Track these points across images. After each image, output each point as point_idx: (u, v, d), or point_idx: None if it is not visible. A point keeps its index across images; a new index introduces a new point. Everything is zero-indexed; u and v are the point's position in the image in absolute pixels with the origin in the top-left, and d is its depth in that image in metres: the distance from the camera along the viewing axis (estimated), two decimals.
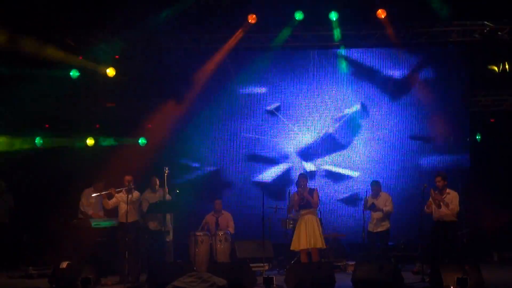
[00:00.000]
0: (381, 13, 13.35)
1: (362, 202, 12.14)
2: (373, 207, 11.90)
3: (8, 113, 13.40)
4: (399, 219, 13.09)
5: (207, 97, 14.44)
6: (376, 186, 12.14)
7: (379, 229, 11.93)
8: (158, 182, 12.41)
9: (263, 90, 14.46)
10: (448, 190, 10.92)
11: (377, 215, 11.94)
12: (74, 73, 14.03)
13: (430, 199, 10.93)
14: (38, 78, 13.09)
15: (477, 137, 14.31)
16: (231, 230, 12.50)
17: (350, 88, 14.30)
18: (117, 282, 10.94)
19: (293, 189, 12.15)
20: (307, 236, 11.10)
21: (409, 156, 14.15)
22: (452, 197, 10.83)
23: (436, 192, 10.88)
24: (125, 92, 14.40)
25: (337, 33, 13.80)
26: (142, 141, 14.40)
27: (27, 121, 13.72)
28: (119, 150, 14.05)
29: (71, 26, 13.74)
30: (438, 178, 10.91)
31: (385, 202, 11.98)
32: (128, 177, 11.44)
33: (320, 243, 11.19)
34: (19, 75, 13.19)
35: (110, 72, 13.96)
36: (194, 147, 14.48)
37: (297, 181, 11.75)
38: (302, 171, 13.27)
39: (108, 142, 14.28)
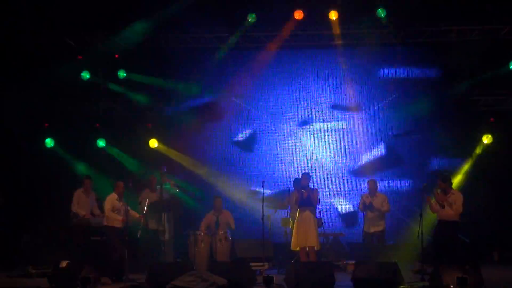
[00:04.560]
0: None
1: (359, 202, 12.16)
2: (371, 207, 11.89)
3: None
4: (399, 218, 13.10)
5: (207, 96, 14.49)
6: (372, 184, 12.13)
7: (376, 229, 11.93)
8: (156, 181, 12.45)
9: (261, 90, 14.52)
10: (452, 191, 10.90)
11: (373, 215, 11.93)
12: (85, 75, 14.09)
13: (433, 199, 10.91)
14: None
15: None
16: (232, 226, 12.48)
17: (349, 88, 14.30)
18: (115, 281, 10.90)
19: (292, 188, 12.19)
20: (302, 234, 11.11)
21: (410, 154, 14.14)
22: (456, 197, 10.79)
23: (440, 192, 10.86)
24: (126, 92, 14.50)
25: (335, 30, 13.78)
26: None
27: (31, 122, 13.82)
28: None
29: (71, 26, 13.79)
30: (439, 181, 10.91)
31: (382, 202, 11.97)
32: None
33: (314, 242, 11.17)
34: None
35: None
36: (193, 147, 14.51)
37: (296, 180, 11.77)
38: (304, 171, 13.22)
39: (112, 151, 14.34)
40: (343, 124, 14.36)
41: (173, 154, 14.25)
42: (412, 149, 14.18)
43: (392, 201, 12.42)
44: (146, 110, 14.63)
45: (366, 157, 14.22)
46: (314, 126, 14.41)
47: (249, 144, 14.54)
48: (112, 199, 11.36)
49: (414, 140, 14.16)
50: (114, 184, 11.58)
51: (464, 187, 12.88)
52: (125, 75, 14.33)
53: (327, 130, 14.37)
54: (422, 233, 10.54)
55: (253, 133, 14.54)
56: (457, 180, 13.46)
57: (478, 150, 13.81)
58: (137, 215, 11.63)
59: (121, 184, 11.48)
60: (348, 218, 13.97)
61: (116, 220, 11.22)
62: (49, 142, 14.05)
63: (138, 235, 11.39)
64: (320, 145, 14.36)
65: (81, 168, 13.93)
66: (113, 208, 11.28)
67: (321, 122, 14.39)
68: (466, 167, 13.77)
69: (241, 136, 14.57)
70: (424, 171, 13.88)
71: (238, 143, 14.56)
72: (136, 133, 14.33)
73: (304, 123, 14.42)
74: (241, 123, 14.59)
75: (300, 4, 13.46)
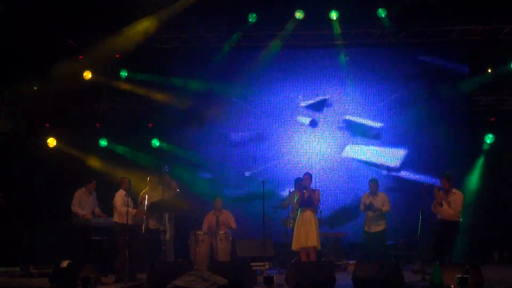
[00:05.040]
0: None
1: (360, 202, 12.17)
2: (372, 207, 11.89)
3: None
4: (400, 218, 13.11)
5: (208, 96, 14.49)
6: (374, 184, 12.14)
7: (376, 229, 11.93)
8: (156, 181, 12.44)
9: (262, 89, 14.54)
10: (454, 190, 10.87)
11: (374, 214, 11.93)
12: (86, 75, 14.12)
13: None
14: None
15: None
16: (233, 225, 12.48)
17: (350, 87, 14.31)
18: (114, 282, 10.90)
19: (292, 188, 12.19)
20: (303, 234, 11.12)
21: (412, 154, 14.14)
22: (456, 197, 10.77)
23: (441, 191, 10.84)
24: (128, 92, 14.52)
25: (336, 29, 13.82)
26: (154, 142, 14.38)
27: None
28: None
29: (72, 26, 13.80)
30: (443, 180, 10.90)
31: (383, 202, 11.99)
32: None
33: (314, 242, 11.13)
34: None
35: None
36: (194, 148, 14.53)
37: (297, 180, 11.77)
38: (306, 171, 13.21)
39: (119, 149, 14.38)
40: (344, 124, 14.35)
41: (173, 153, 14.27)
42: (413, 149, 14.17)
43: (393, 200, 12.43)
44: (147, 109, 14.63)
45: (367, 157, 14.22)
46: (315, 125, 14.40)
47: (249, 143, 14.55)
48: (121, 195, 11.32)
49: (415, 139, 14.15)
50: (120, 180, 11.57)
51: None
52: (126, 74, 14.36)
53: (328, 129, 14.37)
54: (422, 232, 10.54)
55: (254, 133, 14.55)
56: (475, 178, 13.53)
57: (486, 147, 13.83)
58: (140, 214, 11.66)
59: (127, 179, 11.47)
60: (349, 218, 13.96)
61: (129, 214, 10.96)
62: (52, 142, 14.06)
63: (142, 231, 11.42)
64: (321, 144, 14.36)
65: (91, 166, 13.98)
66: (124, 204, 11.25)
67: (323, 121, 14.39)
68: (480, 164, 13.79)
69: (242, 135, 14.57)
70: (426, 171, 13.87)
71: (238, 143, 14.57)
72: (137, 132, 14.34)
73: (305, 122, 14.41)
74: (241, 123, 14.60)
75: (301, 4, 13.48)
